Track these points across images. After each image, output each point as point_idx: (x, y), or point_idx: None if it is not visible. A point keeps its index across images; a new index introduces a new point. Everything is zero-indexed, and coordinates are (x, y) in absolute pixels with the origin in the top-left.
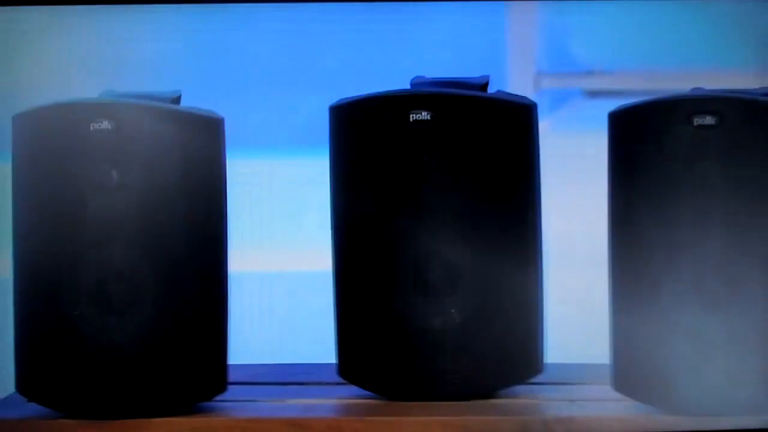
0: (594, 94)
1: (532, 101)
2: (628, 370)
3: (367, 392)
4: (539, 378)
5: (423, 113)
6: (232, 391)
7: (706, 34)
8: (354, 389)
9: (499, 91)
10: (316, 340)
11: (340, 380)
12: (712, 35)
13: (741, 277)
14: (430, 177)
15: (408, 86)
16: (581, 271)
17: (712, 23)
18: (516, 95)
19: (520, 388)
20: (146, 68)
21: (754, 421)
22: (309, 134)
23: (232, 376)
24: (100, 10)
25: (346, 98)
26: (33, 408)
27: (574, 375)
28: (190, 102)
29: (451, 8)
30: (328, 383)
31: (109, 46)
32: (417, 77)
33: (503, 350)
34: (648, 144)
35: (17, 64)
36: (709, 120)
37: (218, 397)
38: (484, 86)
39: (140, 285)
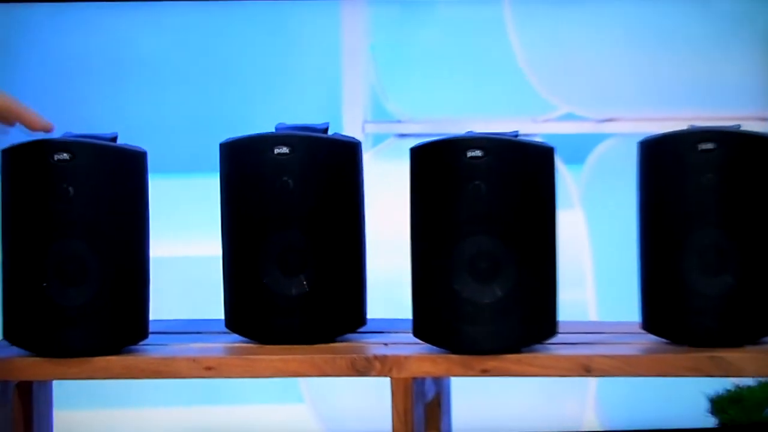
0: (402, 135)
1: (358, 140)
2: (424, 323)
3: (245, 339)
4: (364, 328)
5: (284, 148)
6: (152, 338)
7: (479, 91)
8: (237, 337)
9: (336, 133)
10: (211, 301)
11: (227, 331)
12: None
13: (502, 259)
14: (288, 192)
15: (273, 130)
16: (392, 254)
17: (487, 82)
18: (348, 136)
19: (350, 336)
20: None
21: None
22: (207, 160)
23: (152, 328)
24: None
25: (231, 137)
26: (15, 350)
27: (387, 326)
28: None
29: (302, 76)
30: (219, 332)
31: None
32: (280, 124)
33: (339, 309)
34: (437, 169)
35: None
36: (477, 153)
37: (142, 342)
38: (325, 130)
39: (89, 265)
